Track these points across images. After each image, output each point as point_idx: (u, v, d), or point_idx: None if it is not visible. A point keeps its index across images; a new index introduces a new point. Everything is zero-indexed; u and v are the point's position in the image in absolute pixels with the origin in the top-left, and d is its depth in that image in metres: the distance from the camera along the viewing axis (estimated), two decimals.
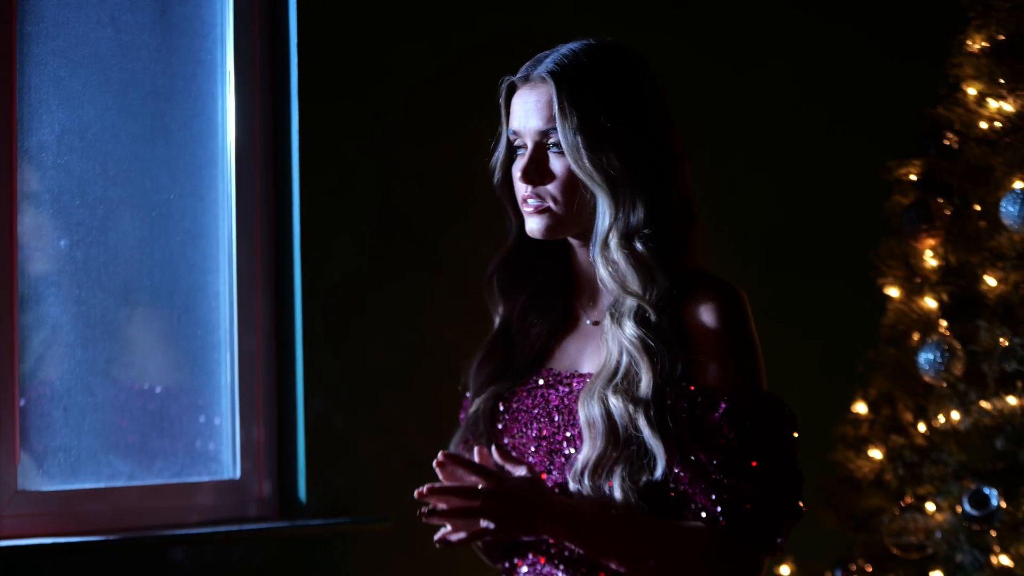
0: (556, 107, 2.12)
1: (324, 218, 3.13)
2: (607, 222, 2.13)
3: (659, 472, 2.06)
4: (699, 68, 3.74)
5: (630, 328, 2.11)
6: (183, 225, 3.06)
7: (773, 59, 3.93)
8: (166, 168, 3.04)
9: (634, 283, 2.12)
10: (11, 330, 2.80)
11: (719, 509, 2.07)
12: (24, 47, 2.86)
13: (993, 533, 3.15)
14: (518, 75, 2.20)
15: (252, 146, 3.10)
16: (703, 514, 2.08)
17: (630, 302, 2.12)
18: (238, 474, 3.07)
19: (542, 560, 2.23)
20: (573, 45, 2.18)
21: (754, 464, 2.07)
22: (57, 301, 2.89)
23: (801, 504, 2.09)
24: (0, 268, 2.79)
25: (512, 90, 2.21)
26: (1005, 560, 3.14)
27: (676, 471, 2.09)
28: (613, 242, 2.13)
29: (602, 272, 2.15)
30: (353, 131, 3.20)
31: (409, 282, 3.26)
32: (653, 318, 2.10)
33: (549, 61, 2.16)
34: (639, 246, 2.11)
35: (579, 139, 2.11)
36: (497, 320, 2.34)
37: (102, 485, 2.92)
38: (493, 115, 2.32)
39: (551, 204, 2.17)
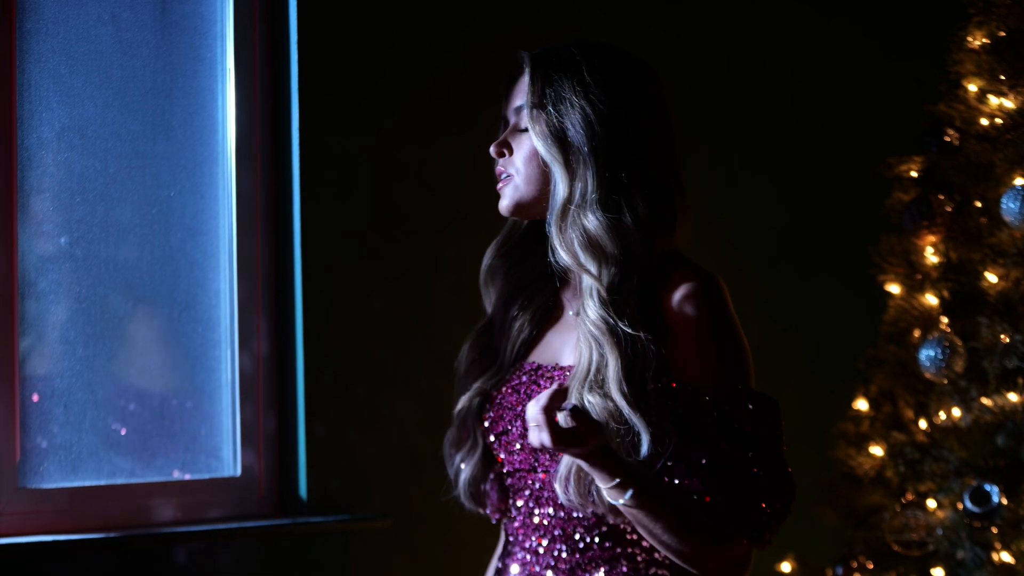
0: (528, 82, 2.16)
1: (325, 215, 3.13)
2: (561, 193, 2.13)
3: (644, 450, 2.05)
4: (698, 65, 3.74)
5: (592, 310, 2.10)
6: (183, 222, 3.06)
7: (772, 56, 3.92)
8: (166, 165, 3.04)
9: (585, 259, 2.11)
10: (11, 327, 2.80)
11: (708, 509, 2.06)
12: (24, 44, 2.86)
13: (994, 530, 3.15)
14: (517, 65, 2.24)
15: (252, 143, 3.10)
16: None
17: (587, 281, 2.12)
18: (239, 471, 3.07)
19: (532, 560, 2.23)
20: (573, 40, 2.21)
21: (741, 464, 2.06)
22: (57, 298, 2.89)
23: (790, 499, 2.08)
24: (0, 265, 2.79)
25: (513, 80, 2.25)
26: (1006, 557, 3.14)
27: (666, 462, 2.08)
28: (567, 213, 2.13)
29: (555, 243, 2.15)
30: (354, 128, 3.19)
31: (410, 279, 3.26)
32: (607, 298, 2.10)
33: (540, 48, 2.20)
34: (591, 218, 2.11)
35: (540, 113, 2.14)
36: (489, 308, 2.36)
37: (103, 482, 2.91)
38: (494, 113, 2.33)
39: (514, 175, 2.20)
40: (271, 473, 3.10)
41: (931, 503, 3.28)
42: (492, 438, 2.27)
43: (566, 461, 2.10)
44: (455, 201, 3.31)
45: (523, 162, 2.19)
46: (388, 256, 3.24)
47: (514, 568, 2.25)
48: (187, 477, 3.03)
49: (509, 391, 2.27)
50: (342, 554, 3.13)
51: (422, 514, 3.20)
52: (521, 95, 2.21)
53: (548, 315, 2.32)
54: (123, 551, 2.87)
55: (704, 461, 2.05)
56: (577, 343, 2.15)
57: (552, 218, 2.15)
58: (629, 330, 2.07)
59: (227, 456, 3.08)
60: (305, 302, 3.09)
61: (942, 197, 3.29)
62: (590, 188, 2.11)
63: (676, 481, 2.06)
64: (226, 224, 3.09)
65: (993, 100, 3.21)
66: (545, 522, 2.20)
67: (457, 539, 3.18)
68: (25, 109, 2.86)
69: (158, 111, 3.04)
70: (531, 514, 2.23)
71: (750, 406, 2.07)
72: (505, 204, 2.23)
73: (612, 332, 2.07)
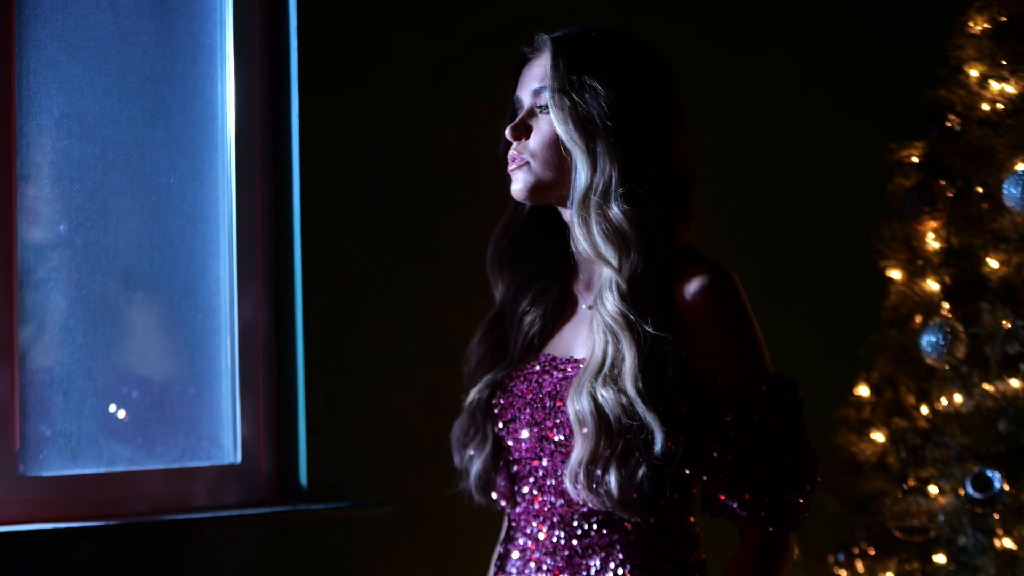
0: (550, 64, 2.13)
1: (324, 201, 3.13)
2: (583, 180, 2.11)
3: (657, 448, 2.06)
4: (700, 53, 3.73)
5: (611, 302, 2.09)
6: (183, 209, 3.05)
7: (774, 43, 3.92)
8: (166, 152, 3.04)
9: (606, 250, 2.10)
10: (10, 315, 2.79)
11: (736, 505, 2.08)
12: (23, 31, 2.85)
13: (996, 516, 3.14)
14: (532, 46, 2.22)
15: (252, 129, 3.10)
16: (732, 504, 2.09)
17: (607, 273, 2.11)
18: (239, 458, 3.07)
19: (532, 547, 2.23)
20: (588, 24, 2.19)
21: (768, 453, 2.07)
22: (57, 286, 2.89)
23: (815, 478, 2.11)
24: None
25: (523, 62, 2.23)
26: (1008, 543, 3.13)
27: (687, 463, 2.10)
28: (589, 202, 2.11)
29: (576, 232, 2.13)
30: (354, 115, 3.19)
31: (410, 267, 3.25)
32: (627, 291, 2.09)
33: (558, 31, 2.18)
34: (615, 209, 2.09)
35: (564, 98, 2.11)
36: (498, 297, 2.35)
37: (102, 470, 2.91)
38: (495, 102, 2.32)
39: (529, 159, 2.16)
40: (271, 460, 3.10)
41: (933, 489, 3.28)
42: (501, 425, 2.27)
43: (576, 455, 2.10)
44: (456, 188, 3.30)
45: (540, 146, 2.16)
46: (388, 243, 3.23)
47: (515, 554, 2.26)
48: (187, 464, 3.03)
49: (521, 379, 2.26)
50: (342, 541, 3.13)
51: (422, 501, 3.20)
52: (537, 78, 2.17)
53: (561, 308, 2.31)
54: (123, 539, 2.87)
55: (729, 458, 2.08)
56: (590, 335, 2.14)
57: (573, 206, 2.12)
58: (648, 325, 2.06)
59: (227, 443, 3.07)
60: (305, 289, 3.09)
61: (943, 183, 3.28)
62: (613, 177, 2.09)
63: (705, 487, 2.13)
64: (226, 211, 3.08)
65: (994, 85, 3.20)
66: (546, 509, 2.21)
67: (457, 526, 3.18)
68: (24, 96, 2.85)
69: (157, 98, 3.03)
70: (533, 501, 2.23)
71: (769, 394, 2.08)
72: (519, 188, 2.18)
73: (631, 327, 2.07)
